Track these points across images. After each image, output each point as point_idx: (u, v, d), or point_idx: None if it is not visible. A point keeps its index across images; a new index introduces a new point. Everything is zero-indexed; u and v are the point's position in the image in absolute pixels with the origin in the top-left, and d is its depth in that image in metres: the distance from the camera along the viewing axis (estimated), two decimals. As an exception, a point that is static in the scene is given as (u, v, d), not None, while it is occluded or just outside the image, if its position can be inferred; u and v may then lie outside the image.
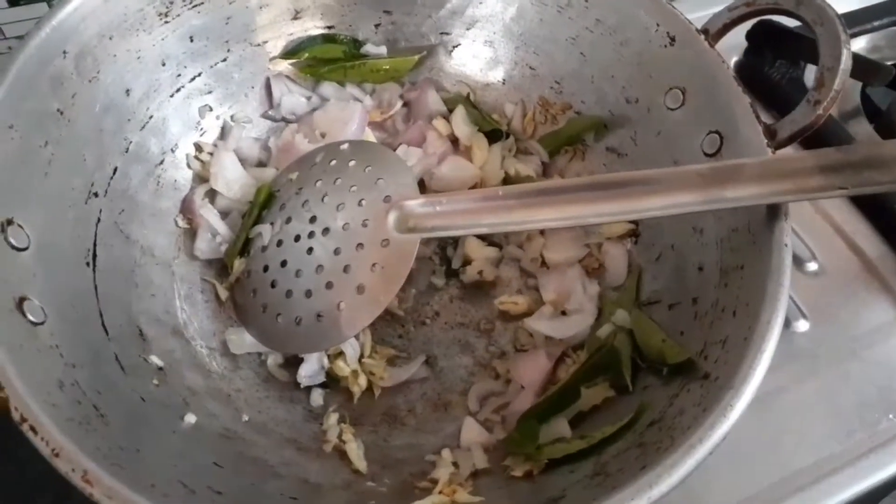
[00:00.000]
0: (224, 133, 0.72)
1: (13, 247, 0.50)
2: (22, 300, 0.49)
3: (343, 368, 0.63)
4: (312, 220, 0.63)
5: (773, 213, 0.53)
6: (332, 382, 0.64)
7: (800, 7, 0.57)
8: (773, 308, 0.49)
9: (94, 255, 0.59)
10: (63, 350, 0.50)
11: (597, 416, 0.58)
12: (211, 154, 0.69)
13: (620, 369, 0.58)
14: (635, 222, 0.67)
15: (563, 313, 0.66)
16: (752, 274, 0.53)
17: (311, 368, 0.62)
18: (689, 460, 0.44)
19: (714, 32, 0.62)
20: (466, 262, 0.70)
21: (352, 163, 0.64)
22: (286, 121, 0.75)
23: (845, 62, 0.55)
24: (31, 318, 0.48)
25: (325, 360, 0.63)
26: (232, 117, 0.73)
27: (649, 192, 0.55)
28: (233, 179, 0.68)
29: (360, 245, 0.60)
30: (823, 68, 0.56)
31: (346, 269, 0.60)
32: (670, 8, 0.63)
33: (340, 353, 0.63)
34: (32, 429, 0.42)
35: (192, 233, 0.67)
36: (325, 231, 0.62)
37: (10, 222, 0.51)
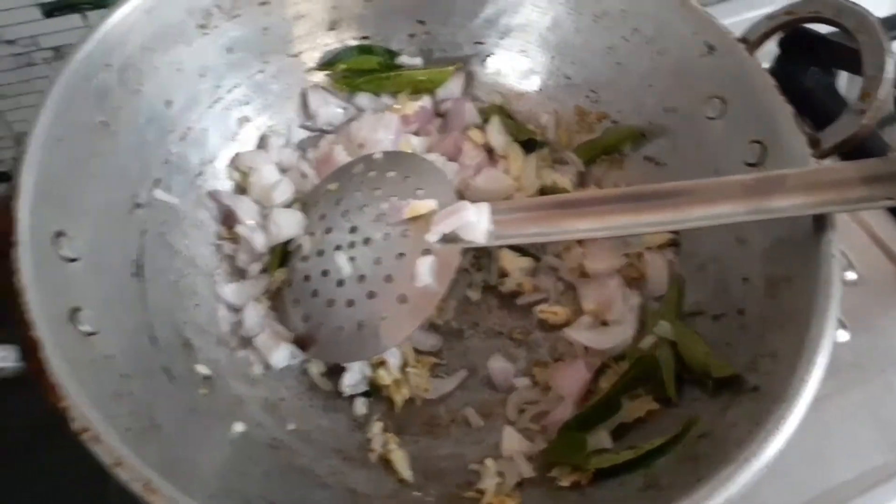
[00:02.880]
0: (262, 144, 0.72)
1: (64, 258, 0.51)
2: (75, 311, 0.49)
3: (385, 378, 0.63)
4: (353, 230, 0.63)
5: (820, 223, 0.53)
6: (374, 391, 0.64)
7: (841, 15, 0.57)
8: (824, 320, 0.49)
9: (141, 266, 0.59)
10: (115, 361, 0.50)
11: (642, 429, 0.58)
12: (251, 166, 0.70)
13: (662, 381, 0.58)
14: (676, 232, 0.67)
15: (604, 324, 0.66)
16: (801, 285, 0.53)
17: (353, 378, 0.62)
18: (744, 473, 0.44)
19: (753, 41, 0.62)
20: (503, 274, 0.70)
21: (390, 173, 0.65)
22: (323, 132, 0.75)
23: (889, 70, 0.55)
24: (84, 328, 0.49)
25: (368, 370, 0.63)
26: (269, 128, 0.73)
27: (692, 202, 0.55)
28: (273, 190, 0.68)
29: (401, 255, 0.60)
30: (867, 77, 0.56)
31: (387, 278, 0.60)
32: (709, 17, 0.64)
33: (383, 363, 0.63)
34: (93, 439, 0.42)
35: (233, 243, 0.67)
36: (366, 241, 0.62)
37: (60, 234, 0.51)
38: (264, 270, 0.66)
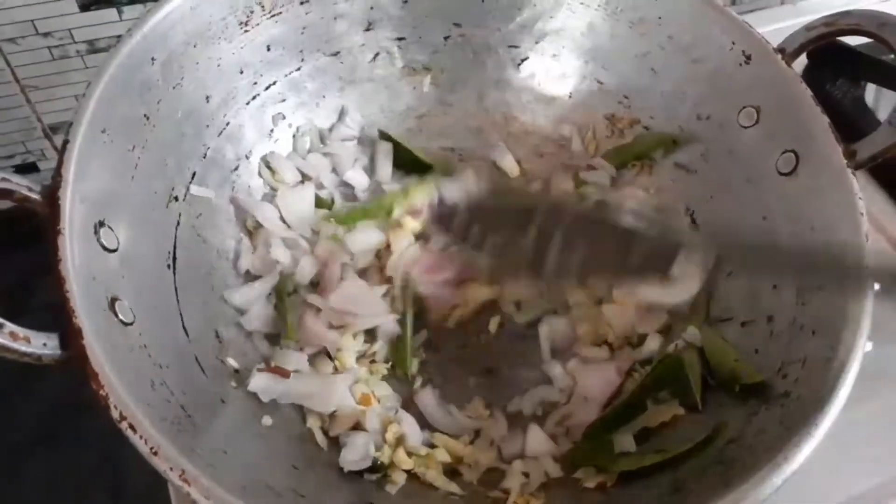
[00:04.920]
0: (294, 143, 0.73)
1: (104, 248, 0.52)
2: (114, 300, 0.50)
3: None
4: None
5: (854, 234, 0.53)
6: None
7: (882, 28, 0.58)
8: (857, 329, 0.50)
9: (175, 258, 0.60)
10: (151, 351, 0.51)
11: (668, 434, 0.58)
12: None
13: (687, 383, 0.58)
14: (704, 240, 0.67)
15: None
16: (832, 294, 0.53)
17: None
18: (775, 478, 0.44)
19: (791, 52, 0.63)
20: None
21: None
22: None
23: (929, 84, 0.55)
24: (122, 318, 0.50)
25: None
26: (298, 129, 0.74)
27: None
28: (297, 206, 0.70)
29: None
30: (906, 90, 0.56)
31: None
32: (747, 26, 0.64)
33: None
34: (131, 427, 0.43)
35: (252, 242, 0.68)
36: None
37: (102, 224, 0.52)
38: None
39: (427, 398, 0.63)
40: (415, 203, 0.70)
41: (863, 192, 0.56)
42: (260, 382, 0.58)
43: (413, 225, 0.69)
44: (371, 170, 0.76)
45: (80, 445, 0.82)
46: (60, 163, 0.50)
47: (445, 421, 0.62)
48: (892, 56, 0.58)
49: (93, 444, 0.81)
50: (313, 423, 0.60)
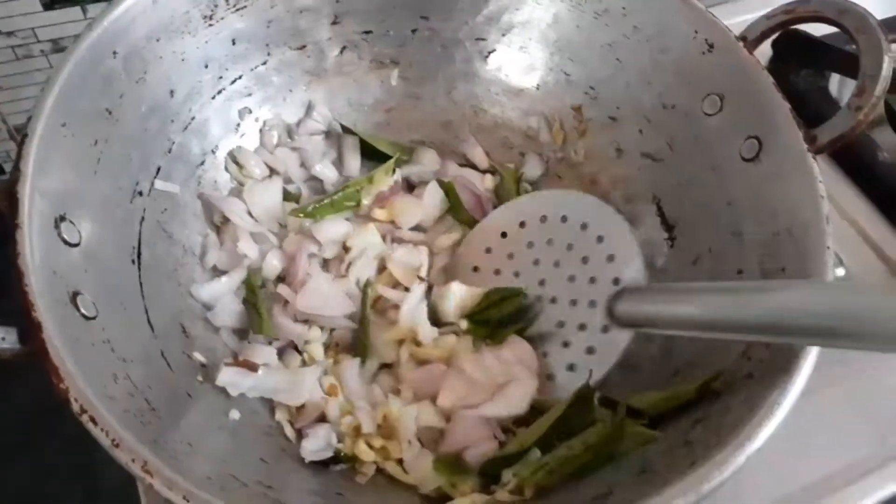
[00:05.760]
0: (261, 138, 0.73)
1: (66, 242, 0.51)
2: (75, 295, 0.49)
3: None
4: (541, 283, 0.64)
5: (816, 216, 0.54)
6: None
7: (841, 16, 0.58)
8: (818, 310, 0.50)
9: (139, 254, 0.59)
10: (114, 345, 0.50)
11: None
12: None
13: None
14: (670, 227, 0.68)
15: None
16: (795, 276, 0.53)
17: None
18: (739, 457, 0.44)
19: (752, 40, 0.63)
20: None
21: (586, 229, 0.64)
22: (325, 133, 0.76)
23: (886, 69, 0.56)
24: (84, 312, 0.49)
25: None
26: (265, 123, 0.73)
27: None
28: (264, 201, 0.69)
29: (582, 325, 0.61)
30: (865, 76, 0.56)
31: (565, 344, 0.61)
32: (710, 16, 0.64)
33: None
34: (92, 420, 0.42)
35: (219, 236, 0.68)
36: (553, 300, 0.63)
37: (63, 218, 0.51)
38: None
39: (350, 370, 0.62)
40: (381, 188, 0.70)
41: (825, 176, 0.56)
42: (227, 377, 0.58)
43: (380, 214, 0.69)
44: (340, 164, 0.75)
45: (60, 445, 0.81)
46: (19, 157, 0.49)
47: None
48: (854, 45, 0.58)
49: (74, 444, 0.80)
50: (282, 417, 0.60)
